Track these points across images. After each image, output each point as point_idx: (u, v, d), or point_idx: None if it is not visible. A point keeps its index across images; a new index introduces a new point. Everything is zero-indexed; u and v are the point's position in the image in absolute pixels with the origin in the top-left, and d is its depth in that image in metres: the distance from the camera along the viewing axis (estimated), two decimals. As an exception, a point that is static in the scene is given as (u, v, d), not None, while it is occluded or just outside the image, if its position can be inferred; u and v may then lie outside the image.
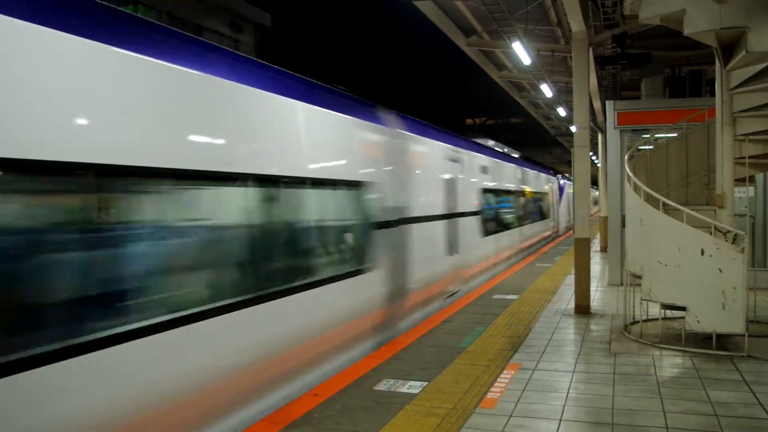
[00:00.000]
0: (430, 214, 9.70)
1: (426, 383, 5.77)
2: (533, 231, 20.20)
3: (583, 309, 9.21)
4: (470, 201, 12.08)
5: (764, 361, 6.47)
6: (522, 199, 18.51)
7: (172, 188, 4.44)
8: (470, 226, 11.95)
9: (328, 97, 6.91)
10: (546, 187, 24.44)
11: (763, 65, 6.75)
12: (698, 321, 6.88)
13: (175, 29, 4.80)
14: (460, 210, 11.26)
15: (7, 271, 3.29)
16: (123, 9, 4.42)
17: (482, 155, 13.72)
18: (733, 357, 6.60)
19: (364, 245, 7.24)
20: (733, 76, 7.18)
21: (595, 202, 38.70)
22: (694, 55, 13.19)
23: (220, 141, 5.02)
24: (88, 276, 3.76)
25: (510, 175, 16.86)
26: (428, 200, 9.70)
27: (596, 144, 23.75)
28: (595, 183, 33.12)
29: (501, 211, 15.36)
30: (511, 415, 4.97)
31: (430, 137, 10.13)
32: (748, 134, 7.35)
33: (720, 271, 6.69)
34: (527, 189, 19.55)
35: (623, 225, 10.50)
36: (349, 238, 7.14)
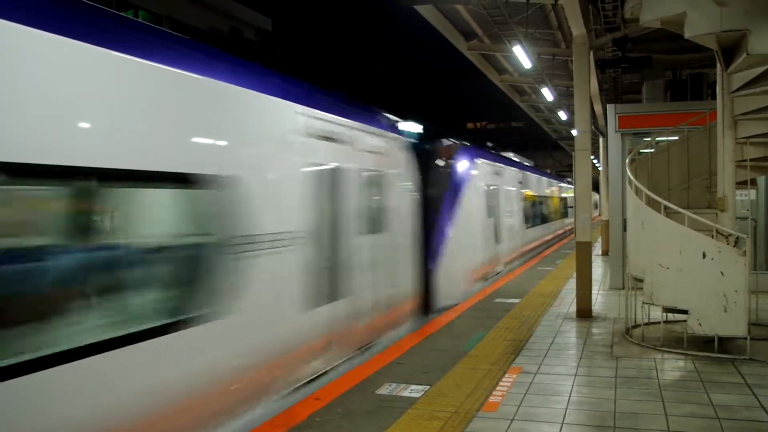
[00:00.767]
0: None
1: (428, 387, 5.76)
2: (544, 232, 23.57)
3: (584, 313, 9.20)
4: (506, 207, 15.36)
5: (766, 364, 6.46)
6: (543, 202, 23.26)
7: None
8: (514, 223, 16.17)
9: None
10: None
11: (764, 68, 6.75)
12: (700, 324, 6.86)
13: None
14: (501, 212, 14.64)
15: None
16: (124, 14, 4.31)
17: (513, 168, 17.44)
18: (735, 360, 6.58)
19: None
20: (734, 79, 7.18)
21: (595, 206, 38.65)
22: (695, 58, 13.20)
23: None
24: None
25: (532, 182, 20.92)
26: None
27: (597, 147, 23.75)
28: (595, 187, 33.09)
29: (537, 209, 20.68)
30: (513, 419, 4.96)
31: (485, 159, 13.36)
32: (749, 137, 7.35)
33: (722, 274, 6.68)
34: (529, 192, 20.60)
35: (625, 228, 10.49)
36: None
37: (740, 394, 5.55)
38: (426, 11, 11.68)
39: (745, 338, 6.71)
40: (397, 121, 9.34)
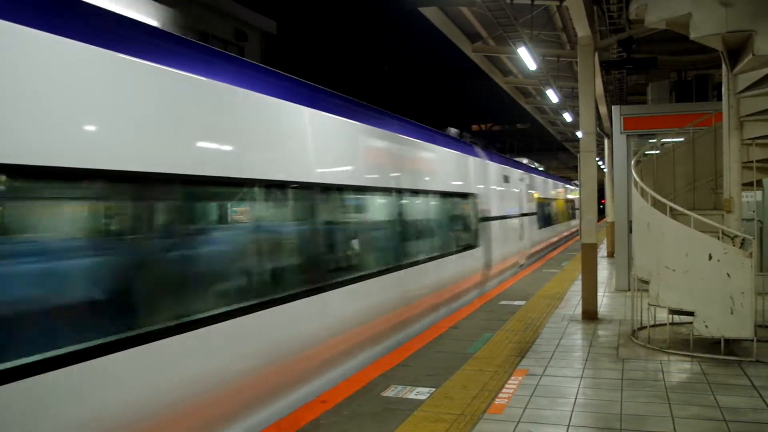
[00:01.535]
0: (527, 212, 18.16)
1: (434, 389, 5.77)
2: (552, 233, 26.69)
3: (590, 314, 9.18)
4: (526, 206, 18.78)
5: (773, 366, 6.44)
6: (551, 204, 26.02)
7: None
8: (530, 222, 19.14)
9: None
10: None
11: (769, 69, 6.74)
12: (706, 326, 6.84)
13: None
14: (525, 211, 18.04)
15: None
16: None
17: (527, 172, 19.58)
18: (742, 362, 6.56)
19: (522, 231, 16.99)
20: (740, 80, 7.17)
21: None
22: (701, 59, 13.17)
23: None
24: None
25: (540, 185, 23.26)
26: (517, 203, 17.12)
27: (602, 149, 23.73)
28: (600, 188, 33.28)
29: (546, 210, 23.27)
30: (519, 421, 4.96)
31: (503, 163, 16.10)
32: (755, 138, 7.33)
33: (728, 275, 6.66)
34: (537, 194, 21.47)
35: (630, 230, 10.48)
36: (473, 225, 12.09)
37: (747, 396, 5.53)
38: (431, 13, 11.71)
39: (752, 340, 6.69)
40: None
